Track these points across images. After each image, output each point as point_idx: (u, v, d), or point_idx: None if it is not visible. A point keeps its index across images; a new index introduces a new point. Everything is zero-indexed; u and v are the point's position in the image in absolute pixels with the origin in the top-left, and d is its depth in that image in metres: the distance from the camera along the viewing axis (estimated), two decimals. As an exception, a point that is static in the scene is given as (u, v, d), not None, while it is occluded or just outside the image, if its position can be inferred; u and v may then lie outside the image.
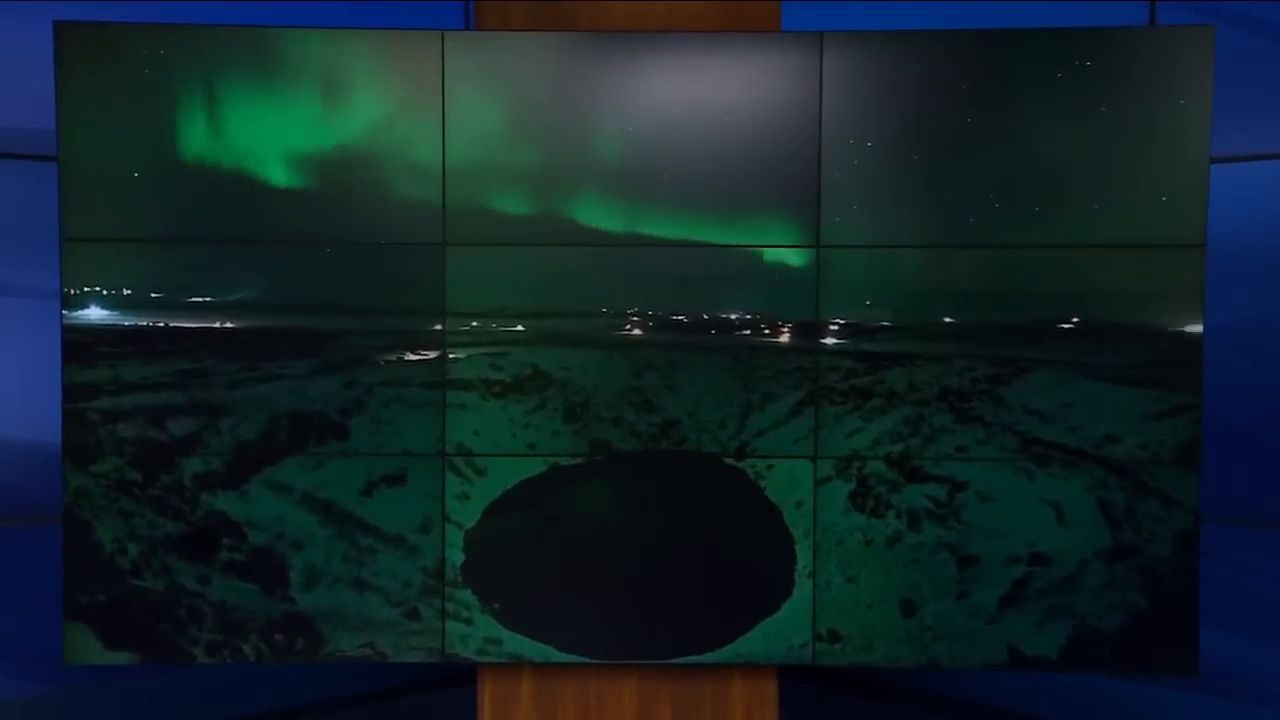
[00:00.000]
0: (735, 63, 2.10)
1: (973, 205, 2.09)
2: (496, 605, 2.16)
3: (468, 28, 2.73)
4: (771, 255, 2.12)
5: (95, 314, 2.10)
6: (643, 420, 2.15)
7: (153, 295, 2.10)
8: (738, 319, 2.13)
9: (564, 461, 2.15)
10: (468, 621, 2.16)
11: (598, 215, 2.11)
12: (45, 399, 2.31)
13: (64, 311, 2.10)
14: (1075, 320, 2.09)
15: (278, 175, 2.09)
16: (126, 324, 2.10)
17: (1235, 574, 2.55)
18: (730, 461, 2.15)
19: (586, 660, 2.17)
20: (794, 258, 2.11)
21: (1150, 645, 2.12)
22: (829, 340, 2.12)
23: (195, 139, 2.08)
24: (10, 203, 2.64)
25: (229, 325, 2.11)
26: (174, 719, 2.78)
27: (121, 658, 2.15)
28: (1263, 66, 2.48)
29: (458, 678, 2.97)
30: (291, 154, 2.09)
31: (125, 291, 2.10)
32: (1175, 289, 2.08)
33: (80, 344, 2.10)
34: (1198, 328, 2.07)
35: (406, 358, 2.13)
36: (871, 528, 2.15)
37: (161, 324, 2.10)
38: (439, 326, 2.12)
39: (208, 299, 2.11)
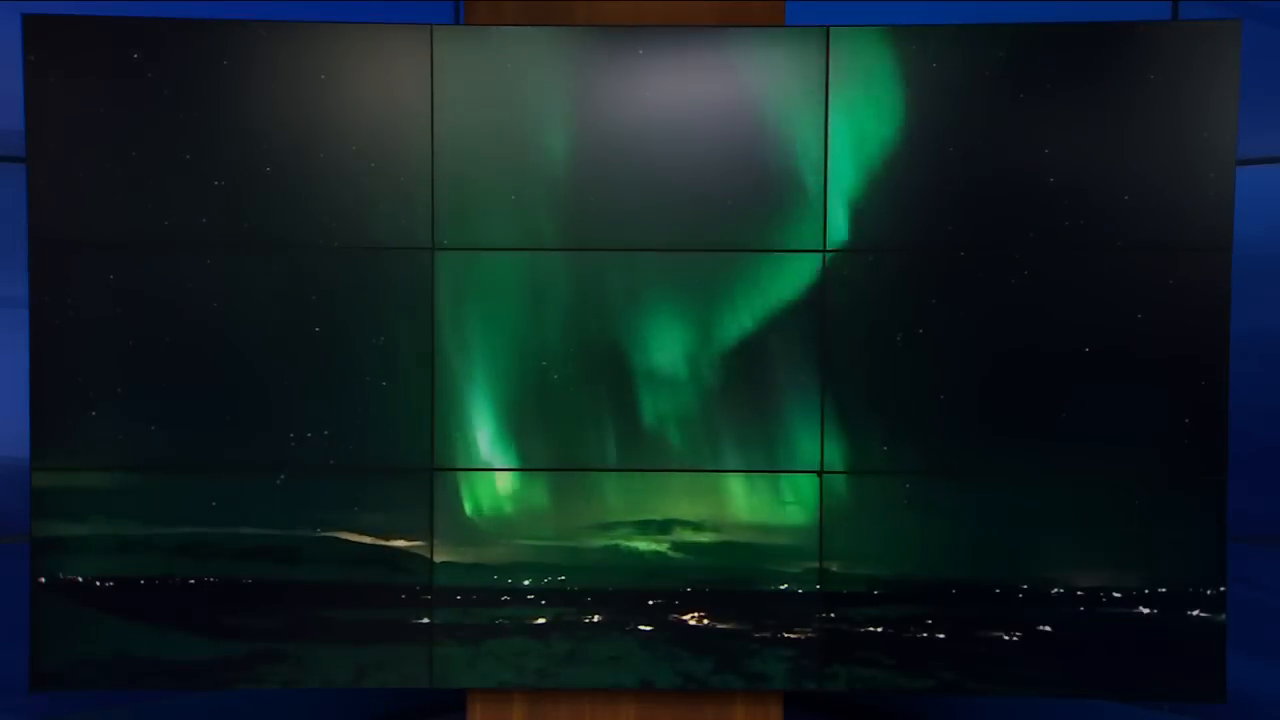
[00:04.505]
0: (738, 58, 2.12)
1: (984, 205, 2.12)
2: None
3: (458, 24, 2.77)
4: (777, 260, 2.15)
5: (66, 322, 2.12)
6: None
7: (128, 302, 2.12)
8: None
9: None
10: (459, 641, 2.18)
11: (592, 217, 2.14)
12: (13, 410, 2.33)
13: (33, 320, 2.12)
14: (1096, 326, 2.11)
15: (260, 175, 2.12)
16: (99, 332, 2.12)
17: (1264, 596, 2.56)
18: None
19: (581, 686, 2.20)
20: (798, 261, 2.14)
21: (1175, 670, 2.15)
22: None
23: (176, 137, 2.11)
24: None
25: (205, 333, 2.13)
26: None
27: (91, 685, 2.17)
28: (1291, 64, 2.51)
29: (446, 705, 2.98)
30: (275, 152, 2.12)
31: (98, 297, 2.12)
32: (1199, 295, 2.11)
33: (50, 354, 2.12)
34: (1223, 336, 2.10)
35: (395, 367, 2.15)
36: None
37: (138, 332, 2.13)
38: (428, 336, 2.15)
39: (184, 304, 2.13)
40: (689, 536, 2.18)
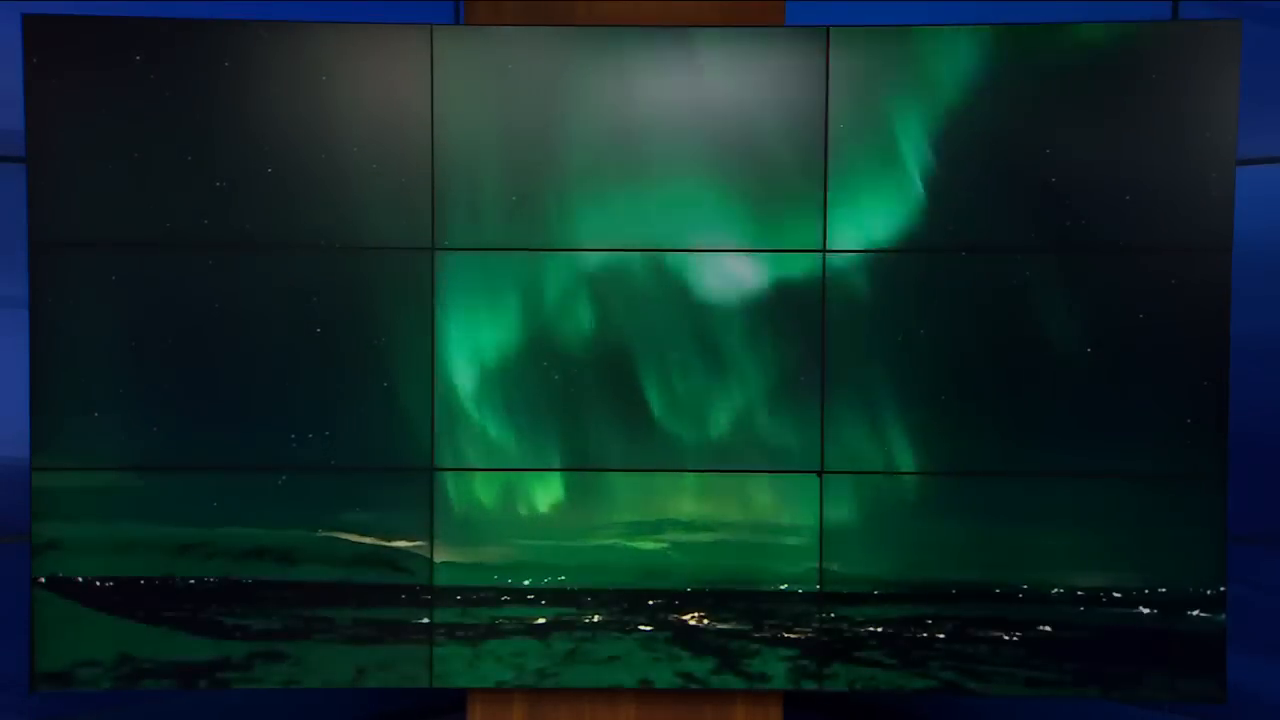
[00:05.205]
0: (738, 58, 2.13)
1: (985, 205, 2.12)
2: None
3: (458, 24, 2.77)
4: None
5: (66, 323, 2.12)
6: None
7: (128, 302, 2.13)
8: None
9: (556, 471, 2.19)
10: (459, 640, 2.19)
11: (593, 218, 2.15)
12: (13, 410, 2.33)
13: (33, 321, 2.13)
14: (1096, 326, 2.12)
15: (261, 175, 2.12)
16: (99, 332, 2.13)
17: (1264, 596, 2.57)
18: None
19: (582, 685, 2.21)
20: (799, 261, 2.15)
21: (1175, 670, 2.16)
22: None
23: (176, 138, 2.12)
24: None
25: (206, 333, 2.14)
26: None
27: (91, 685, 2.18)
28: (1291, 64, 2.52)
29: (446, 705, 2.98)
30: (275, 153, 2.12)
31: (98, 297, 2.12)
32: (1199, 295, 2.11)
33: (50, 354, 2.13)
34: (1223, 336, 2.11)
35: (395, 367, 2.16)
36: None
37: (138, 332, 2.13)
38: (428, 337, 2.15)
39: (185, 305, 2.13)
40: (689, 536, 2.19)
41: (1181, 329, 2.12)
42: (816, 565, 2.17)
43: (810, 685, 2.19)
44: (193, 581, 2.17)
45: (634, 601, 2.19)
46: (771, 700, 2.31)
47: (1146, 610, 2.15)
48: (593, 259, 2.15)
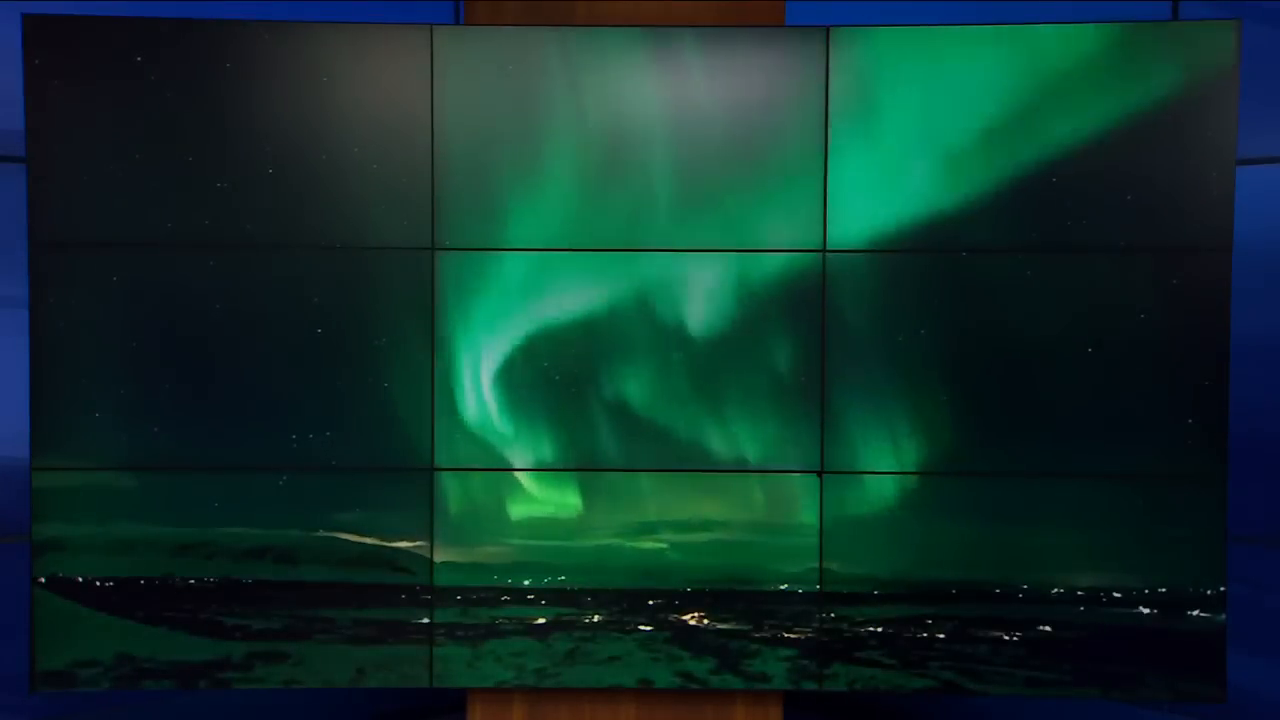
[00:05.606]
0: (738, 59, 2.13)
1: (985, 205, 2.13)
2: None
3: (458, 24, 2.77)
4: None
5: (66, 323, 2.12)
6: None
7: (129, 302, 2.13)
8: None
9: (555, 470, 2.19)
10: (460, 641, 2.19)
11: (592, 217, 2.15)
12: (13, 410, 2.33)
13: (33, 321, 2.13)
14: (1097, 326, 2.12)
15: (262, 175, 2.13)
16: (99, 332, 2.13)
17: (1264, 596, 2.57)
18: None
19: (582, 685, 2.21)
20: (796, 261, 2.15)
21: (1175, 670, 2.16)
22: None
23: (177, 138, 2.12)
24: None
25: (206, 333, 2.14)
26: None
27: (91, 685, 2.18)
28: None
29: (446, 705, 2.98)
30: (276, 153, 2.13)
31: (99, 297, 2.13)
32: (1199, 295, 2.12)
33: (51, 354, 2.13)
34: (1223, 335, 2.11)
35: (396, 368, 2.16)
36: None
37: (138, 332, 2.13)
38: (428, 337, 2.16)
39: (186, 305, 2.14)
40: (689, 536, 2.19)
41: (1181, 329, 2.12)
42: (816, 565, 2.18)
43: (810, 685, 2.19)
44: (192, 581, 2.17)
45: (634, 601, 2.19)
46: (771, 700, 2.31)
47: (1146, 610, 2.15)
48: (593, 259, 2.15)
